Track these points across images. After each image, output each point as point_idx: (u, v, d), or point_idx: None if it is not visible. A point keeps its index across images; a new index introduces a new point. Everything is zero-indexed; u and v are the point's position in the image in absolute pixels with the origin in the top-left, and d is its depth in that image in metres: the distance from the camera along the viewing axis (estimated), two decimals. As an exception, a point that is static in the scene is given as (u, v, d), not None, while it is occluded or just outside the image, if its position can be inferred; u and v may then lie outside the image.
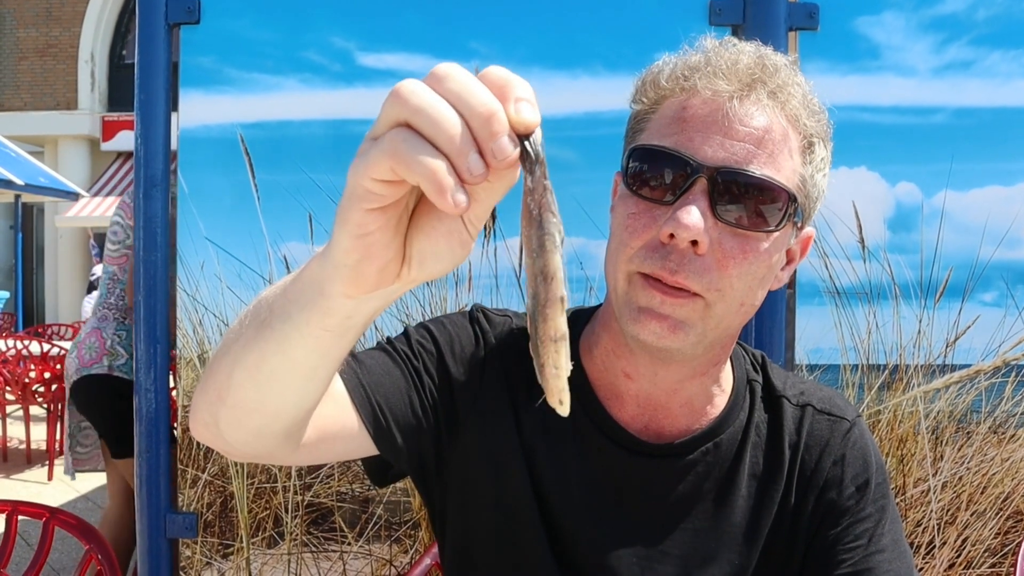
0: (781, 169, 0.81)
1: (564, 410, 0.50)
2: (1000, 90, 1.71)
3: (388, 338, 0.98)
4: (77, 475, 5.51)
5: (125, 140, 13.63)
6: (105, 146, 14.22)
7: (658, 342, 0.81)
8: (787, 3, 1.68)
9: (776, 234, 0.83)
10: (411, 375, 0.93)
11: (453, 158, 0.46)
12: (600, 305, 1.00)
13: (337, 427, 0.85)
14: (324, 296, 0.56)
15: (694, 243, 0.78)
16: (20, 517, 1.49)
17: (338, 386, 0.86)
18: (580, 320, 1.00)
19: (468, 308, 1.02)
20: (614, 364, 0.92)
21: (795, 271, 1.71)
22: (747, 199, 0.80)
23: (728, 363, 0.96)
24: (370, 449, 0.91)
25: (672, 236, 0.79)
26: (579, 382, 0.94)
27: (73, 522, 1.40)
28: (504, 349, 0.96)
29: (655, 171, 0.82)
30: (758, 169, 0.80)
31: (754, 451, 0.95)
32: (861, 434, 0.97)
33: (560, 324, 0.48)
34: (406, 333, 0.98)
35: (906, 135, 1.70)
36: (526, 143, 0.47)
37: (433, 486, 0.98)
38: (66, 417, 2.93)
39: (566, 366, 0.49)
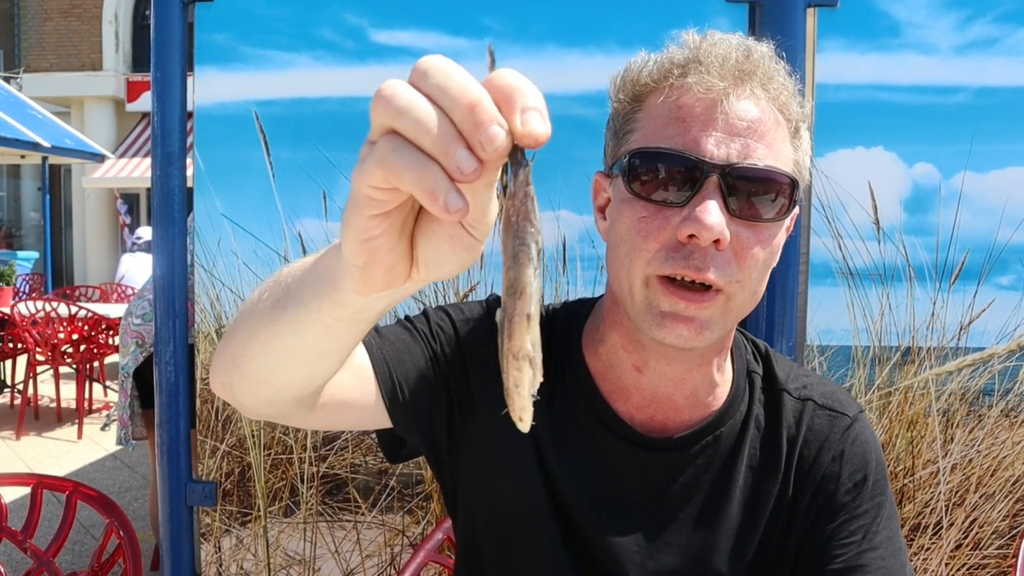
0: (780, 157, 0.83)
1: (523, 427, 0.48)
2: (1024, 68, 1.67)
3: (408, 316, 1.00)
4: (104, 434, 5.65)
5: (150, 101, 13.68)
6: (130, 107, 14.30)
7: (685, 344, 0.83)
8: (806, -21, 1.64)
9: (783, 219, 0.85)
10: (430, 356, 0.95)
11: (440, 159, 0.43)
12: (600, 297, 1.00)
13: (355, 396, 0.88)
14: (336, 290, 0.56)
15: (715, 240, 0.80)
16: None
17: (361, 357, 0.88)
18: (580, 315, 1.01)
19: (486, 298, 1.04)
20: (623, 359, 0.94)
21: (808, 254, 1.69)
22: (756, 191, 0.82)
23: (729, 352, 0.97)
24: (384, 421, 0.93)
25: (692, 236, 0.80)
26: (583, 378, 0.97)
27: (95, 495, 1.45)
28: None
29: (662, 173, 0.82)
30: (762, 161, 0.81)
31: (752, 444, 0.96)
32: (862, 430, 0.98)
33: (523, 342, 0.46)
34: (425, 314, 0.99)
35: (926, 115, 1.67)
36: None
37: (446, 465, 1.01)
38: (128, 391, 2.98)
39: (528, 384, 0.47)
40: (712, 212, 0.79)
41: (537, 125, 0.43)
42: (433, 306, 1.02)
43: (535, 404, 0.46)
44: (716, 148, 0.80)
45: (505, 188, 0.47)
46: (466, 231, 0.49)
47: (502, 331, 0.46)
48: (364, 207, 0.48)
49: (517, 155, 0.45)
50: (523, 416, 0.47)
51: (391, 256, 0.50)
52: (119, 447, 3.22)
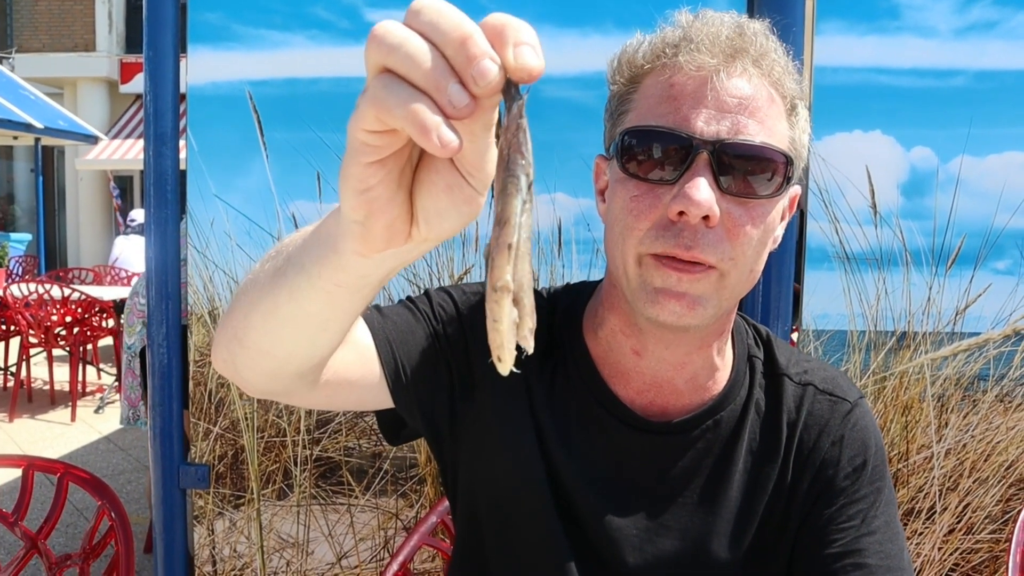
0: (774, 134, 0.82)
1: (501, 368, 0.46)
2: (1024, 52, 1.66)
3: (410, 296, 0.99)
4: (98, 417, 5.65)
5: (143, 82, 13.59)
6: (124, 88, 14.19)
7: (678, 321, 0.83)
8: (806, -40, 1.63)
9: (778, 197, 0.84)
10: (432, 335, 0.95)
11: (432, 93, 0.42)
12: (601, 280, 1.00)
13: (358, 375, 0.87)
14: (337, 253, 0.55)
15: (705, 217, 0.79)
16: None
17: (364, 336, 0.88)
18: (581, 297, 1.01)
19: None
20: (622, 343, 0.93)
21: (806, 236, 1.68)
22: (748, 168, 0.81)
23: (729, 336, 0.96)
24: (386, 402, 0.92)
25: (681, 213, 0.79)
26: (583, 361, 0.96)
27: (86, 477, 1.44)
28: None
29: (653, 151, 0.81)
30: (754, 137, 0.81)
31: (753, 428, 0.96)
32: (862, 415, 0.98)
33: (502, 273, 0.44)
34: (427, 294, 0.99)
35: (924, 98, 1.66)
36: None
37: (446, 446, 1.00)
38: (135, 371, 2.99)
39: (508, 320, 0.45)
40: (701, 188, 0.78)
41: (531, 58, 0.42)
42: (432, 287, 1.02)
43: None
44: (706, 125, 0.80)
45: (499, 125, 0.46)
46: (465, 181, 0.48)
47: (487, 265, 0.45)
48: (360, 154, 0.47)
49: (511, 90, 0.44)
50: (501, 355, 0.45)
51: (390, 208, 0.49)
52: (120, 427, 3.24)
